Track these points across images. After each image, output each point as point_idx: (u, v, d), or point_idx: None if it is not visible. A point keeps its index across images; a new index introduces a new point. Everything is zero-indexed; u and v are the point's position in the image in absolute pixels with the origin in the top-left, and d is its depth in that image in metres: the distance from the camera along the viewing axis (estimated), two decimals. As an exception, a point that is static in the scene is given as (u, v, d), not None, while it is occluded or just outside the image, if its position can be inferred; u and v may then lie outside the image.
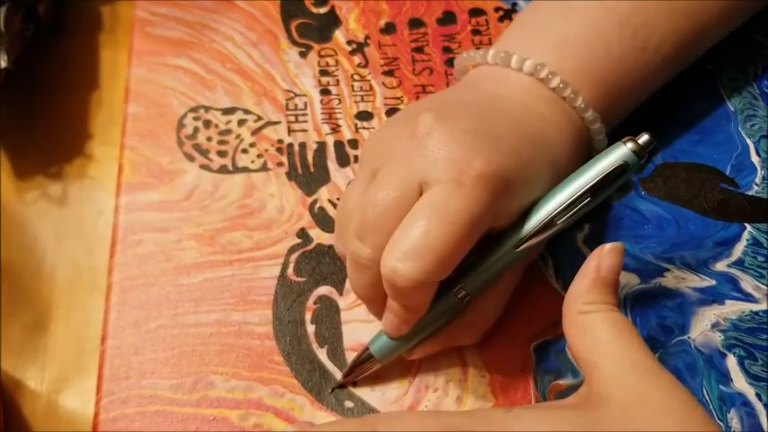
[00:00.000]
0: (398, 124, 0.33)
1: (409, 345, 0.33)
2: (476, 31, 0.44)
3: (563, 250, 0.37)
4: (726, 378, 0.33)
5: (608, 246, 0.30)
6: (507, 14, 0.44)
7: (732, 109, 0.40)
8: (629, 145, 0.31)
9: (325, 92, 0.42)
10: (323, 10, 0.45)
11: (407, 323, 0.32)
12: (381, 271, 0.30)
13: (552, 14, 0.36)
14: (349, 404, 0.34)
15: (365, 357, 0.33)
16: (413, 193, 0.30)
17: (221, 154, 0.40)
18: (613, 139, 0.32)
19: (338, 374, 0.34)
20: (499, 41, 0.37)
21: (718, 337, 0.34)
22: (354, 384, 0.34)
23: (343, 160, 0.40)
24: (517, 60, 0.34)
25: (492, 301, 0.34)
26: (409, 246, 0.29)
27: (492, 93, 0.34)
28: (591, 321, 0.29)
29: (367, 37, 0.44)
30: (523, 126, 0.33)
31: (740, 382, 0.33)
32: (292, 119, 0.41)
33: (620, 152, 0.31)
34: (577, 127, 0.34)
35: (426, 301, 0.31)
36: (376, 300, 0.32)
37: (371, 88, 0.42)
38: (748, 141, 0.39)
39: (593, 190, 0.31)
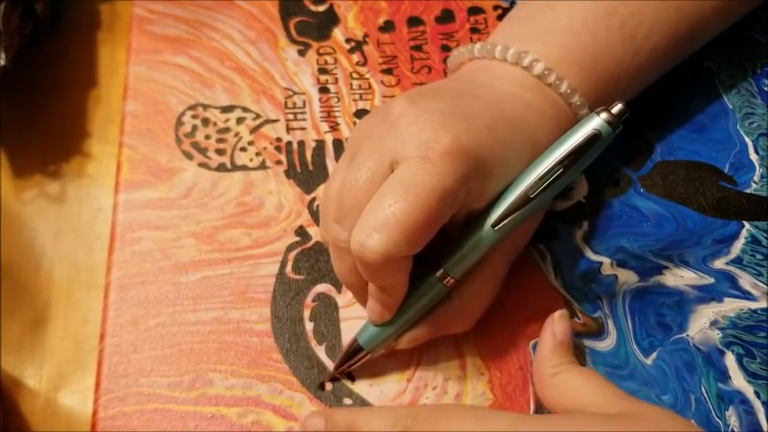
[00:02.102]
0: (376, 112, 0.34)
1: (395, 332, 0.33)
2: (474, 30, 0.44)
3: (562, 248, 0.37)
4: (724, 376, 0.33)
5: (556, 315, 0.33)
6: (506, 12, 0.44)
7: (731, 107, 0.40)
8: (603, 115, 0.30)
9: (323, 90, 0.42)
10: (322, 8, 0.45)
11: (389, 308, 0.32)
12: (351, 249, 0.30)
13: (539, 8, 0.36)
14: (347, 401, 0.34)
15: (354, 348, 0.34)
16: (385, 172, 0.31)
17: (220, 152, 0.40)
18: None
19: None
20: (489, 37, 0.37)
21: (716, 335, 0.34)
22: (353, 381, 0.34)
23: (342, 158, 0.40)
24: (501, 50, 0.35)
25: (480, 286, 0.33)
26: (376, 220, 0.29)
27: (474, 80, 0.35)
28: (564, 379, 0.31)
29: (366, 35, 0.44)
30: (500, 108, 0.33)
31: (738, 380, 0.33)
32: (291, 117, 0.41)
33: (591, 122, 0.31)
34: (564, 113, 0.34)
35: (400, 280, 0.31)
36: (359, 285, 0.33)
37: (370, 86, 0.42)
38: (747, 139, 0.39)
39: (566, 161, 0.31)
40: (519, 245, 0.35)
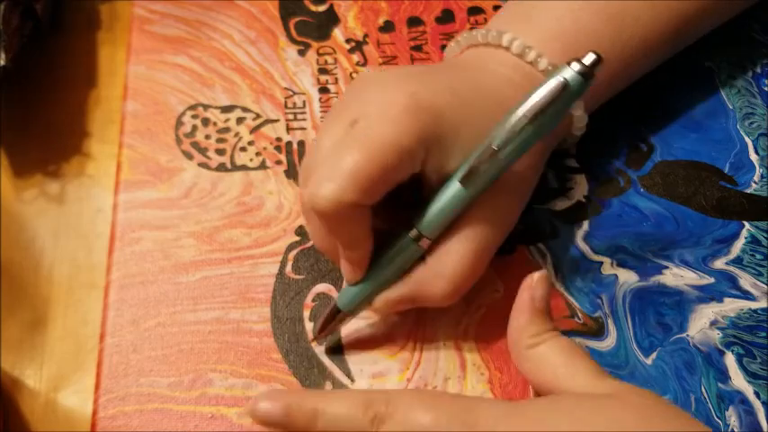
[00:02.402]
0: (346, 87, 0.36)
1: (370, 291, 0.33)
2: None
3: (562, 248, 0.37)
4: (724, 376, 0.33)
5: (536, 275, 0.31)
6: (506, 12, 0.44)
7: (731, 107, 0.40)
8: (573, 65, 0.29)
9: (323, 90, 0.42)
10: (322, 8, 0.45)
11: (357, 264, 0.32)
12: (306, 201, 0.31)
13: (528, 1, 0.37)
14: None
15: (333, 311, 0.34)
16: (346, 133, 0.31)
17: (220, 152, 0.40)
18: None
19: (337, 372, 0.34)
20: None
21: (716, 335, 0.34)
22: (353, 381, 0.34)
23: (342, 158, 0.40)
24: (483, 34, 0.35)
25: (456, 251, 0.32)
26: (327, 170, 0.30)
27: (454, 62, 0.36)
28: (542, 352, 0.30)
29: (366, 35, 0.44)
30: (472, 78, 0.33)
31: (739, 380, 0.33)
32: (291, 117, 0.41)
33: (560, 72, 0.29)
34: None
35: (359, 232, 0.31)
36: (332, 248, 0.33)
37: (370, 86, 0.42)
38: (747, 139, 0.39)
39: (532, 113, 0.29)
40: (502, 220, 0.33)
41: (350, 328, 0.35)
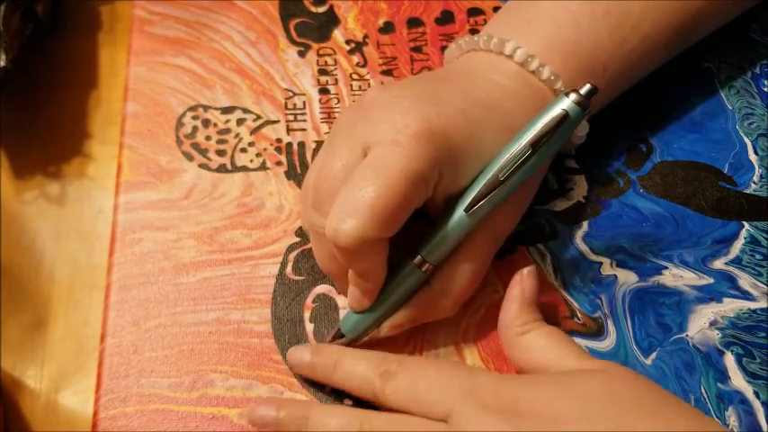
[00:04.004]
0: (353, 103, 0.35)
1: (376, 319, 0.33)
2: (474, 31, 0.44)
3: (562, 249, 0.37)
4: (724, 376, 0.34)
5: (525, 270, 0.33)
6: (505, 13, 0.44)
7: (730, 107, 0.40)
8: (571, 96, 0.31)
9: (323, 91, 0.42)
10: (322, 9, 0.45)
11: (368, 294, 0.33)
12: (326, 235, 0.30)
13: (526, 1, 0.37)
14: (348, 402, 0.34)
15: (337, 337, 0.34)
16: (358, 158, 0.31)
17: (220, 153, 0.40)
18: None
19: (337, 373, 0.35)
20: (481, 31, 0.38)
21: (716, 335, 0.34)
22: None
23: (342, 159, 0.40)
24: (485, 40, 0.35)
25: (459, 272, 0.33)
26: (348, 205, 0.30)
27: (456, 69, 0.36)
28: (531, 339, 0.32)
29: (366, 36, 0.44)
30: (475, 93, 0.33)
31: (738, 380, 0.33)
32: (291, 118, 0.41)
33: (560, 103, 0.31)
34: (548, 99, 0.34)
35: (377, 264, 0.32)
36: (339, 272, 0.33)
37: (370, 88, 0.42)
38: (746, 140, 0.39)
39: (534, 142, 0.31)
40: (501, 232, 0.35)
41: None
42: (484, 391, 0.29)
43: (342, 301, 0.36)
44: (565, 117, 0.30)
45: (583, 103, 0.30)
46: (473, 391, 0.29)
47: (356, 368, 0.32)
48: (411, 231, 0.32)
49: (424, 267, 0.32)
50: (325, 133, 0.41)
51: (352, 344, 0.34)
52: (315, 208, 0.32)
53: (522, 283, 0.33)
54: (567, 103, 0.30)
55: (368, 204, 0.29)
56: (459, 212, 0.32)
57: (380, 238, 0.30)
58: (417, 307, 0.33)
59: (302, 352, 0.33)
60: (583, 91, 0.31)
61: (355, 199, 0.30)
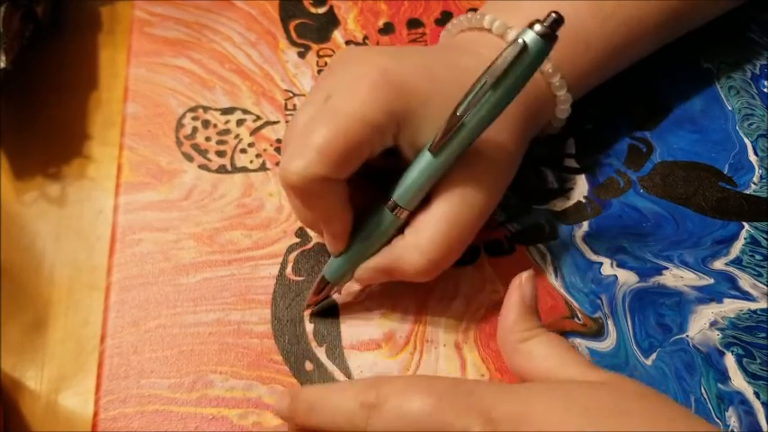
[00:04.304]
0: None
1: (354, 262, 0.34)
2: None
3: (562, 249, 0.37)
4: (724, 376, 0.33)
5: (524, 275, 0.32)
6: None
7: (730, 108, 0.40)
8: (535, 27, 0.29)
9: (323, 92, 0.42)
10: (322, 10, 0.45)
11: (338, 237, 0.33)
12: (279, 177, 0.31)
13: None
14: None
15: (321, 283, 0.35)
16: (320, 108, 0.32)
17: (220, 154, 0.40)
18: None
19: (337, 373, 0.34)
20: None
21: (716, 336, 0.34)
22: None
23: (342, 160, 0.40)
24: (467, 18, 0.36)
25: (432, 222, 0.32)
26: (297, 146, 0.31)
27: (440, 44, 0.37)
28: (533, 346, 0.31)
29: (365, 37, 0.44)
30: (450, 56, 0.34)
31: (738, 381, 0.33)
32: (291, 119, 0.41)
33: (521, 35, 0.29)
34: None
35: (334, 205, 0.32)
36: (315, 222, 0.34)
37: (370, 88, 0.42)
38: (746, 140, 0.39)
39: (494, 78, 0.30)
40: (478, 202, 0.33)
41: (350, 329, 0.35)
42: (491, 407, 0.27)
43: (342, 301, 0.36)
44: (524, 48, 0.29)
45: (546, 33, 0.29)
46: (481, 410, 0.27)
47: (333, 407, 0.28)
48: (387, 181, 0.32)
49: (395, 211, 0.33)
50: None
51: (335, 287, 0.35)
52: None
53: (521, 289, 0.32)
54: (528, 35, 0.29)
55: (314, 144, 0.30)
56: (425, 153, 0.32)
57: (329, 178, 0.31)
58: (389, 254, 0.33)
59: (282, 400, 0.29)
60: (546, 22, 0.29)
61: (304, 140, 0.31)
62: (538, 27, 0.29)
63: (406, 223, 0.33)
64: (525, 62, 0.29)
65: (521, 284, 0.32)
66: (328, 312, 0.36)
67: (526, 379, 0.31)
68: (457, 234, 0.33)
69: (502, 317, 0.32)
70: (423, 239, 0.33)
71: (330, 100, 0.32)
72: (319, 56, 0.43)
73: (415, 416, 0.26)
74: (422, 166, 0.32)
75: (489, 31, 0.35)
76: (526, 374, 0.31)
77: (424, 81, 0.32)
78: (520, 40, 0.29)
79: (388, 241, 0.33)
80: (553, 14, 0.29)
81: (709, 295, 0.35)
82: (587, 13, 0.36)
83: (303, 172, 0.30)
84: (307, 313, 0.36)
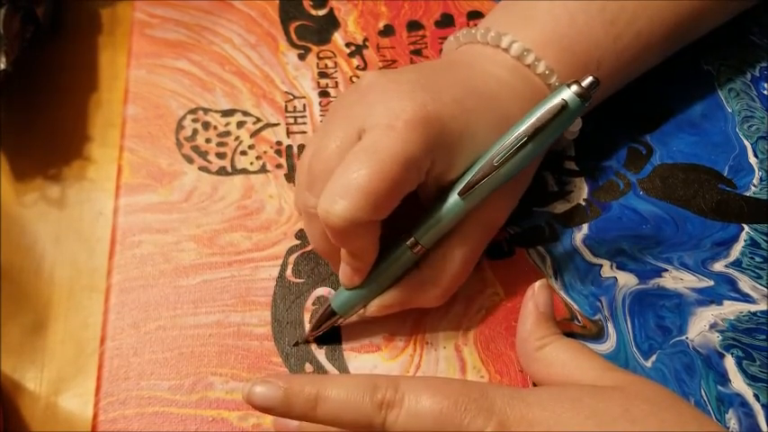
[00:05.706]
0: (351, 86, 0.35)
1: (366, 297, 0.34)
2: (474, 33, 0.44)
3: (562, 251, 0.37)
4: (724, 379, 0.33)
5: (537, 284, 0.32)
6: (505, 16, 0.44)
7: (730, 110, 0.40)
8: (573, 87, 0.30)
9: (323, 94, 0.42)
10: (322, 12, 0.45)
11: (358, 272, 0.33)
12: (319, 216, 0.31)
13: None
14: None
15: (328, 313, 0.34)
16: (353, 140, 0.31)
17: (220, 156, 0.40)
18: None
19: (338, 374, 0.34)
20: (478, 25, 0.38)
21: (716, 338, 0.34)
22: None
23: (342, 162, 0.40)
24: (482, 34, 0.35)
25: (449, 258, 0.33)
26: (340, 187, 0.30)
27: (454, 60, 0.36)
28: (550, 352, 0.31)
29: (366, 39, 0.44)
30: (472, 82, 0.34)
31: (738, 383, 0.33)
32: (291, 121, 0.41)
33: (560, 93, 0.31)
34: (542, 94, 0.34)
35: (368, 245, 0.32)
36: (331, 251, 0.34)
37: (370, 90, 0.42)
38: (746, 142, 0.39)
39: (531, 130, 0.31)
40: (493, 223, 0.35)
41: (351, 332, 0.35)
42: (503, 409, 0.27)
43: (342, 303, 0.36)
44: (563, 107, 0.31)
45: (584, 94, 0.30)
46: (494, 412, 0.27)
47: (343, 399, 0.27)
48: (406, 211, 0.32)
49: (415, 249, 0.33)
50: (326, 136, 0.41)
51: (342, 319, 0.34)
52: (308, 189, 0.33)
53: (534, 298, 0.32)
54: (567, 94, 0.31)
55: (359, 187, 0.30)
56: (454, 196, 0.32)
57: (371, 220, 0.31)
58: (406, 290, 0.34)
59: (270, 390, 0.28)
60: (584, 83, 0.31)
61: (347, 181, 0.30)
62: (576, 88, 0.30)
63: (422, 257, 0.33)
64: (563, 119, 0.31)
65: (534, 294, 0.32)
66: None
67: (545, 384, 0.31)
68: (471, 265, 0.34)
69: (519, 325, 0.33)
70: (442, 276, 0.33)
71: (367, 136, 0.31)
72: (319, 58, 0.43)
73: (432, 415, 0.27)
74: (449, 209, 0.32)
75: (506, 50, 0.35)
76: (545, 380, 0.31)
77: (457, 117, 0.32)
78: (560, 99, 0.30)
79: (402, 275, 0.34)
80: (590, 77, 0.30)
81: (709, 297, 0.35)
82: (601, 31, 0.35)
83: (348, 216, 0.30)
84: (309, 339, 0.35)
